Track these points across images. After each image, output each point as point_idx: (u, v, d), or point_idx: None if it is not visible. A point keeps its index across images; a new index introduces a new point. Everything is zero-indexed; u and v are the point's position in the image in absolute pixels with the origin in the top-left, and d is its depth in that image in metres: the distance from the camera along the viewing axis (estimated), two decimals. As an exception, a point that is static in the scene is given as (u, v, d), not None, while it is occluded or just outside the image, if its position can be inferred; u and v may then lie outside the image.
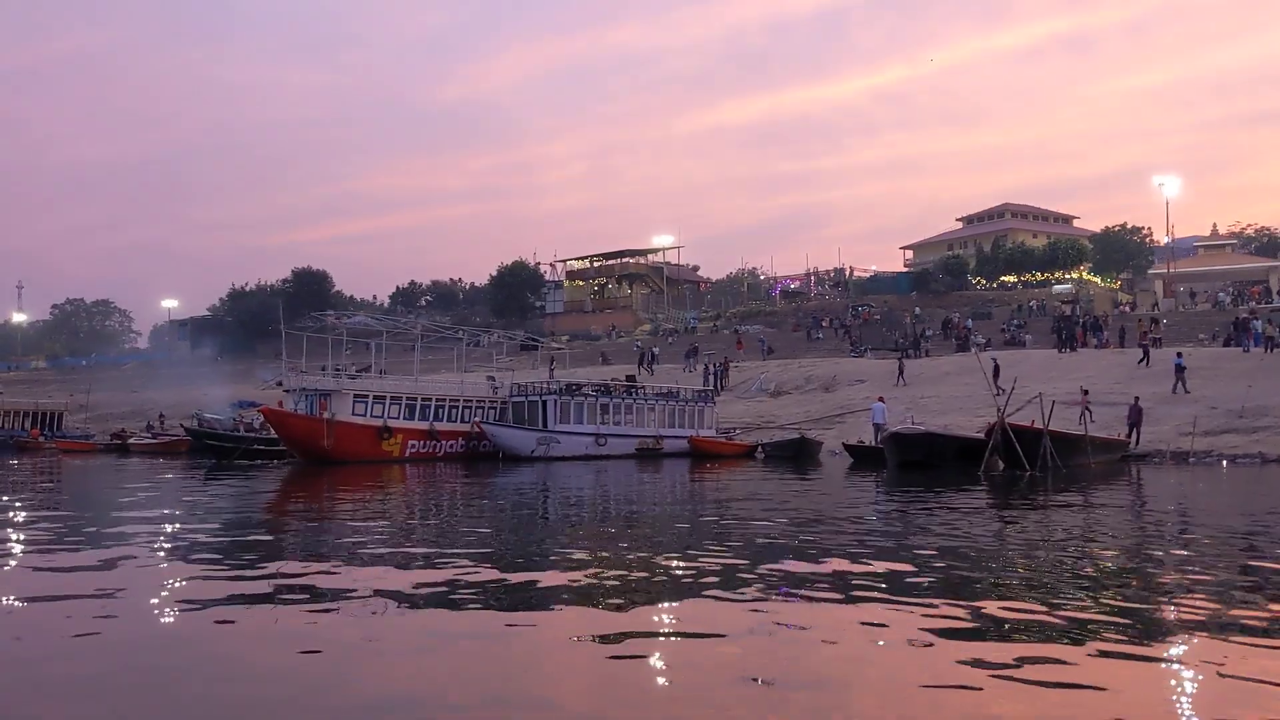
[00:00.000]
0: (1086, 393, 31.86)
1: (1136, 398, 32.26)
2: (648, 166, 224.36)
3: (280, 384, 39.59)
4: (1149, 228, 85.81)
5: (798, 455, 32.70)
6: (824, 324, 66.82)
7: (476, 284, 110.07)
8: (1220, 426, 31.73)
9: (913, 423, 28.03)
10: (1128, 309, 61.92)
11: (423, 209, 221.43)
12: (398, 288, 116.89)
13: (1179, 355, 37.15)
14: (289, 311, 42.43)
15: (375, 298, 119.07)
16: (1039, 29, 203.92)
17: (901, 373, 44.00)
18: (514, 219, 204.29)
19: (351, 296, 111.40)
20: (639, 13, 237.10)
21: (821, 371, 47.63)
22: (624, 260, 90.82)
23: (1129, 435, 30.82)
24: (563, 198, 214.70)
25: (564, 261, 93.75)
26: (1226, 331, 46.32)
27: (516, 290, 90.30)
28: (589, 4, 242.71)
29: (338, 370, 37.08)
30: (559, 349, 60.09)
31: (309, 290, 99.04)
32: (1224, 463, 28.93)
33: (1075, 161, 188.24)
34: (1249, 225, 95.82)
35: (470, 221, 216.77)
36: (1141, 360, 39.64)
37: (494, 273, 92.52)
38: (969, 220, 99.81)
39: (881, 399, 35.75)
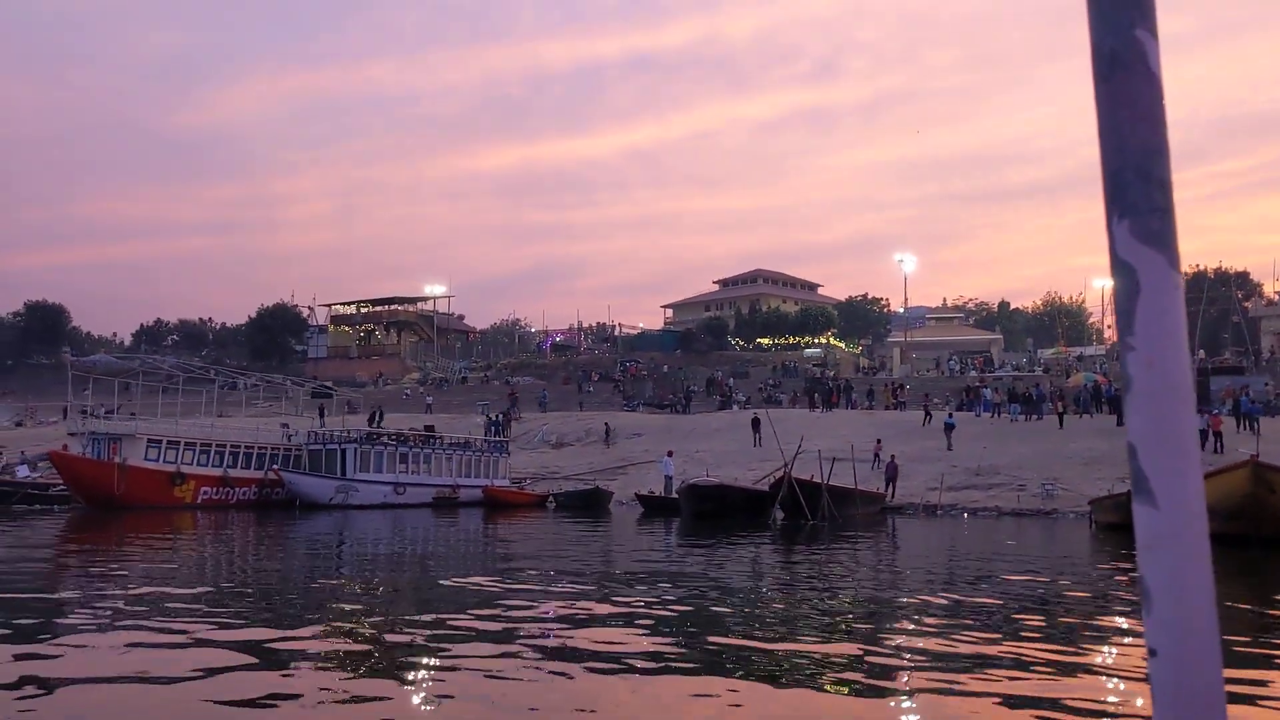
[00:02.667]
0: (880, 442, 35.40)
1: (893, 455, 35.75)
2: (399, 208, 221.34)
3: (19, 424, 37.63)
4: (887, 299, 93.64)
5: (590, 505, 34.15)
6: (594, 378, 69.00)
7: (228, 324, 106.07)
8: (962, 483, 35.61)
9: (707, 476, 30.16)
10: (868, 373, 67.53)
11: (156, 239, 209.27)
12: (142, 325, 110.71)
13: (950, 416, 41.64)
14: (18, 348, 40.49)
15: (116, 335, 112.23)
16: (782, 100, 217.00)
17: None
18: (256, 254, 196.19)
19: (89, 333, 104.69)
20: (392, 51, 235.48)
21: (599, 425, 49.40)
22: (392, 307, 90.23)
23: (886, 490, 34.13)
24: (308, 234, 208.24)
25: (328, 305, 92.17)
26: (959, 397, 51.50)
27: (277, 333, 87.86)
28: (339, 38, 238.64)
29: (108, 414, 35.68)
30: (356, 395, 59.09)
31: (43, 325, 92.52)
32: (965, 515, 32.56)
33: (816, 228, 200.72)
34: (970, 300, 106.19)
35: (209, 255, 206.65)
36: (925, 419, 43.64)
37: (253, 314, 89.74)
38: (725, 283, 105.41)
39: (670, 453, 37.80)
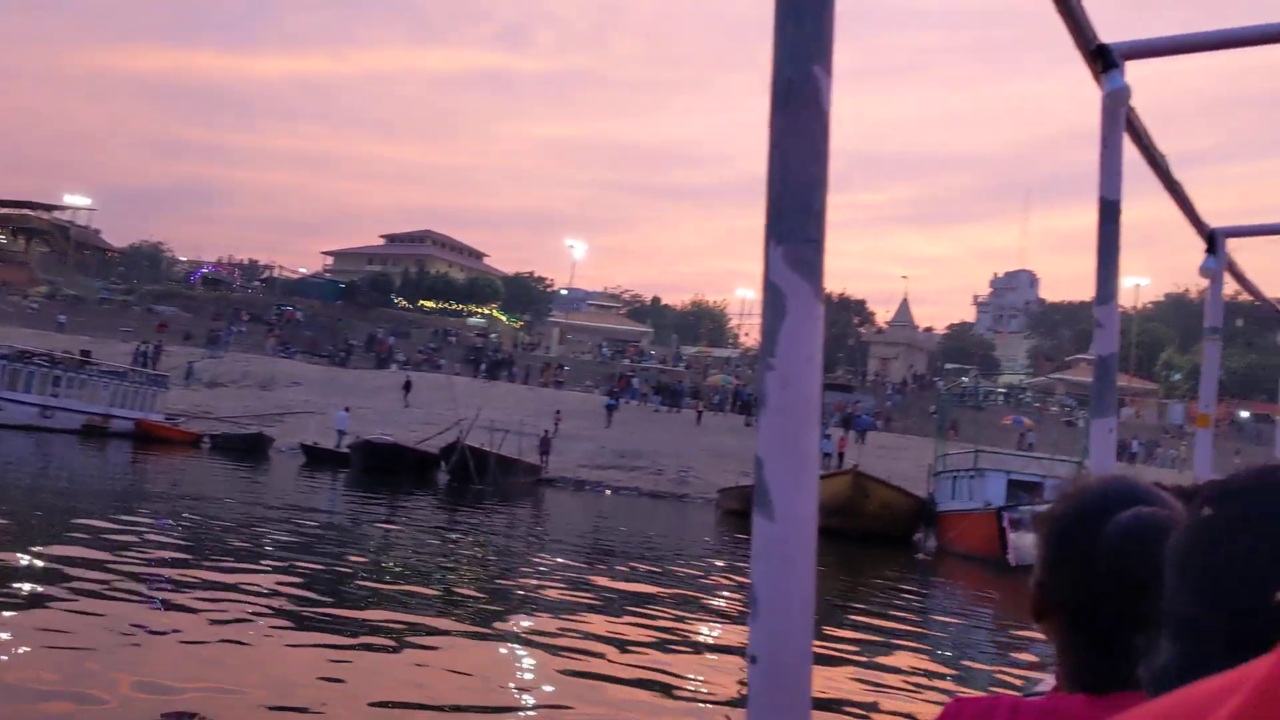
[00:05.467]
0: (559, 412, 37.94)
1: (546, 430, 38.12)
2: (27, 98, 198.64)
3: None
4: (552, 279, 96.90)
5: (251, 450, 33.86)
6: (244, 318, 66.68)
7: None
8: (608, 463, 38.64)
9: (381, 434, 31.04)
10: (527, 349, 70.13)
11: None
12: None
13: (612, 398, 45.00)
14: None
15: None
16: (466, 58, 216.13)
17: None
18: None
19: None
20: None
21: (259, 369, 48.35)
22: (23, 211, 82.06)
23: (541, 461, 36.46)
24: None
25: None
26: (611, 383, 55.02)
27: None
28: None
29: None
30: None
31: None
32: (608, 491, 35.54)
33: (487, 194, 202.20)
34: (626, 290, 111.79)
35: None
36: (612, 403, 46.12)
37: None
38: (392, 239, 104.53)
39: (347, 409, 37.89)
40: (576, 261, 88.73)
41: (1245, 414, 59.81)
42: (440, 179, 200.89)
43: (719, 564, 17.15)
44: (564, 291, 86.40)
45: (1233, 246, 5.30)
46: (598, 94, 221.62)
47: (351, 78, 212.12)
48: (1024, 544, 20.27)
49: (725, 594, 13.20)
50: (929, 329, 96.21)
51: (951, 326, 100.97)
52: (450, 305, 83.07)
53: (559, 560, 15.01)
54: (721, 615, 11.53)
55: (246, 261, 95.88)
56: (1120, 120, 2.77)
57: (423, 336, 69.36)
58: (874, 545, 23.96)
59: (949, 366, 77.69)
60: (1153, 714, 0.34)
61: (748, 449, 39.66)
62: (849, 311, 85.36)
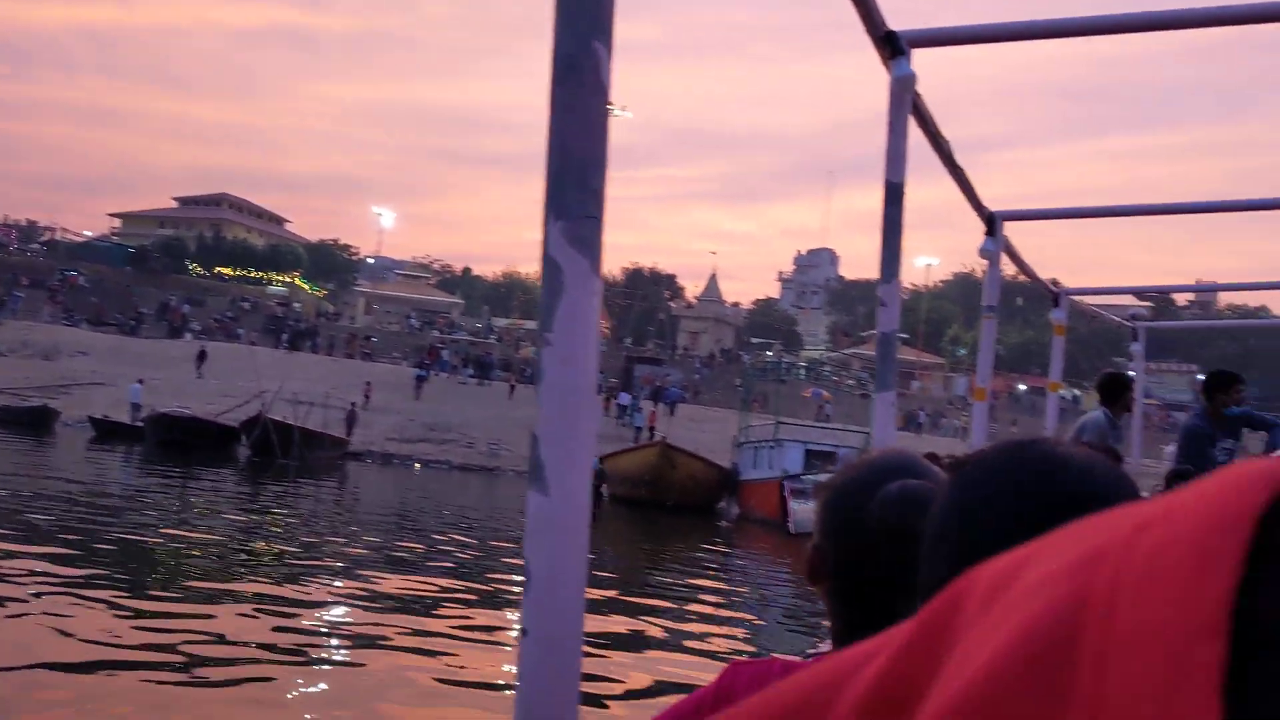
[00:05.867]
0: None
1: (354, 403, 37.20)
2: None
3: None
4: (358, 247, 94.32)
5: (35, 423, 31.70)
6: (24, 283, 62.11)
7: None
8: (417, 436, 38.04)
9: (178, 407, 29.58)
10: (331, 319, 68.14)
11: None
12: None
13: (422, 370, 44.53)
14: None
15: None
16: (266, 13, 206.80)
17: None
18: None
19: None
20: None
21: (40, 338, 45.25)
22: None
23: (347, 435, 35.55)
24: None
25: None
26: (420, 355, 54.10)
27: None
28: None
29: None
30: None
31: None
32: (418, 465, 35.03)
33: (287, 157, 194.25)
34: (436, 260, 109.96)
35: None
36: (422, 375, 45.06)
37: None
38: (186, 201, 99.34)
39: (141, 381, 35.81)
40: (384, 229, 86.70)
41: (1023, 387, 64.15)
42: (238, 140, 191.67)
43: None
44: (370, 260, 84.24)
45: (1011, 230, 5.67)
46: (405, 56, 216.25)
47: (140, 29, 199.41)
48: (803, 511, 21.11)
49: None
50: (736, 304, 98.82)
51: (758, 302, 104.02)
52: (249, 272, 79.74)
53: (358, 534, 14.74)
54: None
55: (25, 222, 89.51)
56: (906, 105, 2.90)
57: (219, 305, 66.34)
58: (681, 514, 24.56)
59: (754, 341, 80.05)
60: (817, 672, 0.35)
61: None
62: (660, 286, 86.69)
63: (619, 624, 9.33)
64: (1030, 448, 0.74)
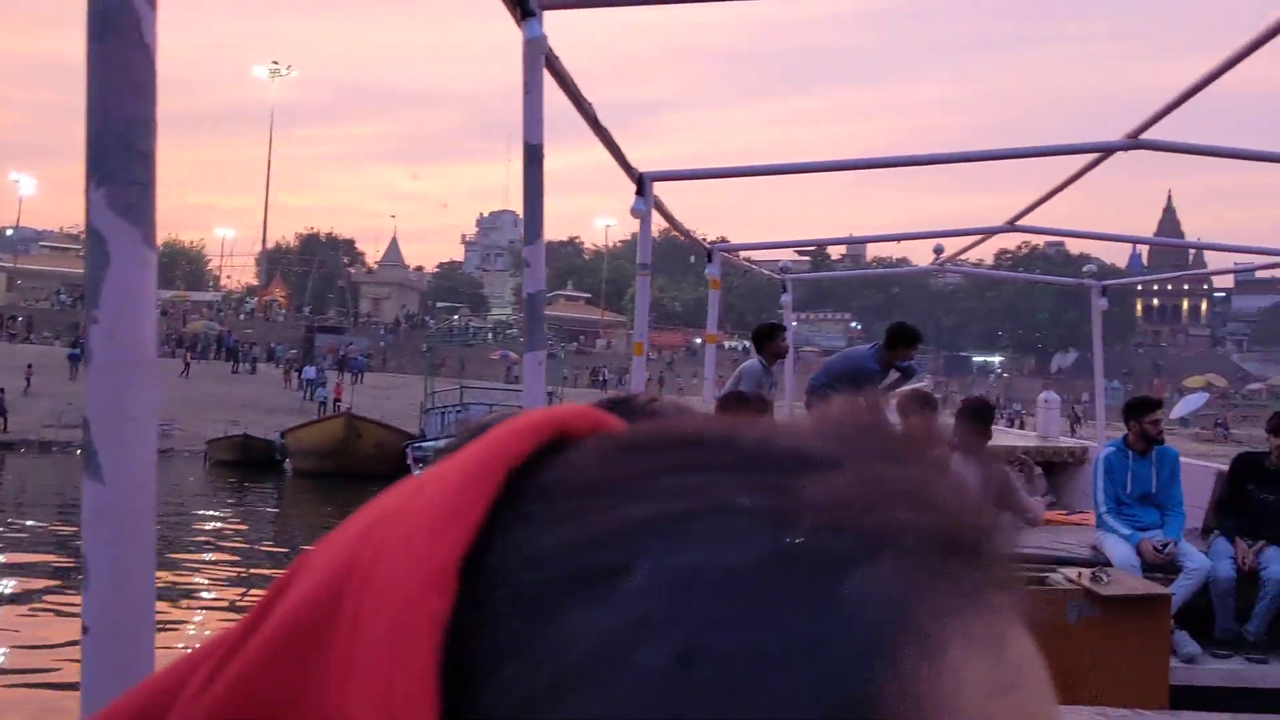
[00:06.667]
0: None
1: (2, 389, 33.75)
2: None
3: None
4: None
5: None
6: None
7: None
8: (77, 421, 34.85)
9: None
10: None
11: None
12: None
13: (76, 349, 40.40)
14: None
15: None
16: None
17: None
18: None
19: None
20: None
21: None
22: None
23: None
24: None
25: None
26: (75, 334, 49.57)
27: None
28: None
29: None
30: None
31: None
32: (79, 451, 32.18)
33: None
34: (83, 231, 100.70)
35: None
36: (76, 354, 40.75)
37: None
38: None
39: None
40: (24, 197, 78.00)
41: (700, 340, 67.56)
42: None
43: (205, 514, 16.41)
44: (9, 232, 75.88)
45: (672, 190, 5.95)
46: (35, 5, 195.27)
47: None
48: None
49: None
50: (420, 268, 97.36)
51: (442, 265, 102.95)
52: None
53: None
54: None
55: None
56: (539, 67, 2.99)
57: None
58: (368, 483, 24.09)
59: (440, 305, 79.27)
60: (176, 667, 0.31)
61: (235, 397, 38.01)
62: (338, 251, 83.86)
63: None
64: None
